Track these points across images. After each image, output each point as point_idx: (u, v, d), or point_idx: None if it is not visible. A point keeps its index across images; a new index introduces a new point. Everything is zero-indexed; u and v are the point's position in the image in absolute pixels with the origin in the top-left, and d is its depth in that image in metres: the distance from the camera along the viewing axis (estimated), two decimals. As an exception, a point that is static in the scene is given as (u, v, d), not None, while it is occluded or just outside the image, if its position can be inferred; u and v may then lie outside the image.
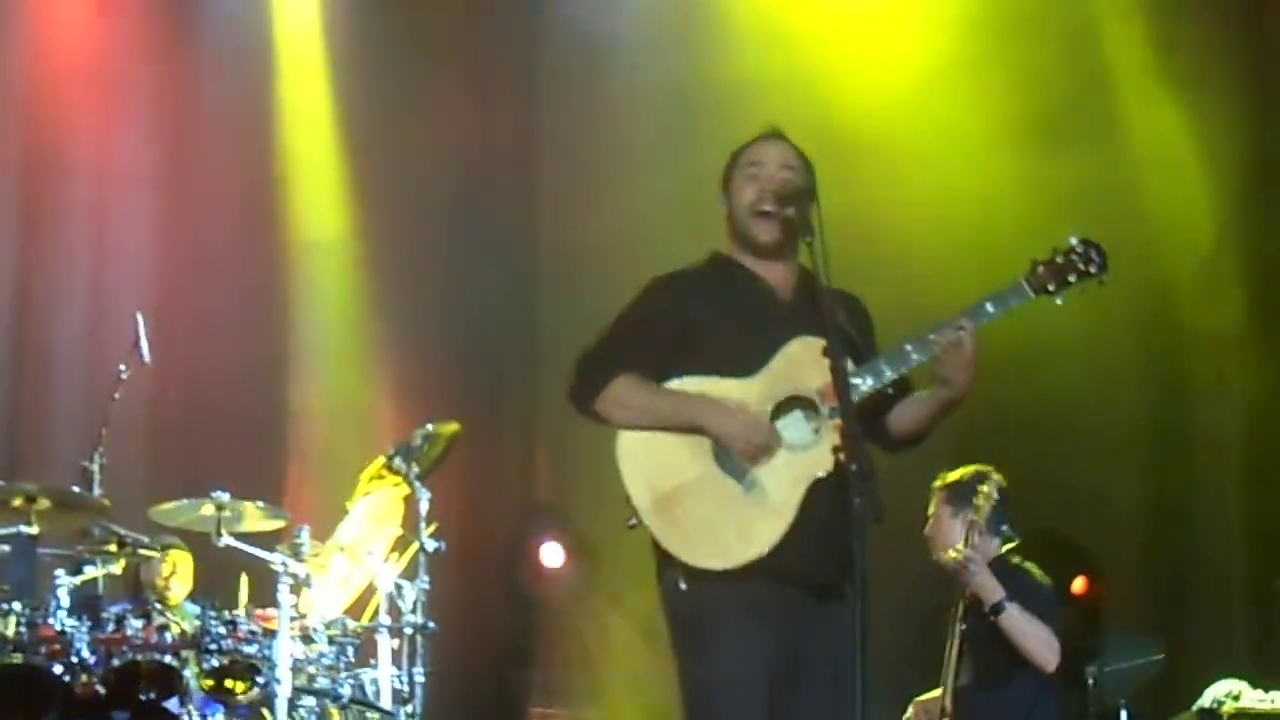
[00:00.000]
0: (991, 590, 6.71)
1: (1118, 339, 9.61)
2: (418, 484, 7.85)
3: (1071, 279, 4.98)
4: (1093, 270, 5.00)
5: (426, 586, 7.77)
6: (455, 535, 7.99)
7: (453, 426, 8.09)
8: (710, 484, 4.94)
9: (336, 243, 10.52)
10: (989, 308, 4.95)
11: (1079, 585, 9.74)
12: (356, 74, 10.52)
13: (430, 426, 8.01)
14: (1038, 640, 6.72)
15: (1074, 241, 5.02)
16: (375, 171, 10.51)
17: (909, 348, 4.95)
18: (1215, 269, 9.73)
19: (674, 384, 5.03)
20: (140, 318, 8.25)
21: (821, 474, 4.84)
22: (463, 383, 10.17)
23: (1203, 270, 9.72)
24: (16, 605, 7.15)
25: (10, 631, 7.10)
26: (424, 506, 7.80)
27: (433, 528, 7.80)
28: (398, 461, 7.92)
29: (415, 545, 7.81)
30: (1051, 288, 4.98)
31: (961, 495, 6.94)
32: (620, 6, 10.35)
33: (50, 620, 7.16)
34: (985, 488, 6.85)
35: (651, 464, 4.98)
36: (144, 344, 8.20)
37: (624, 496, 4.98)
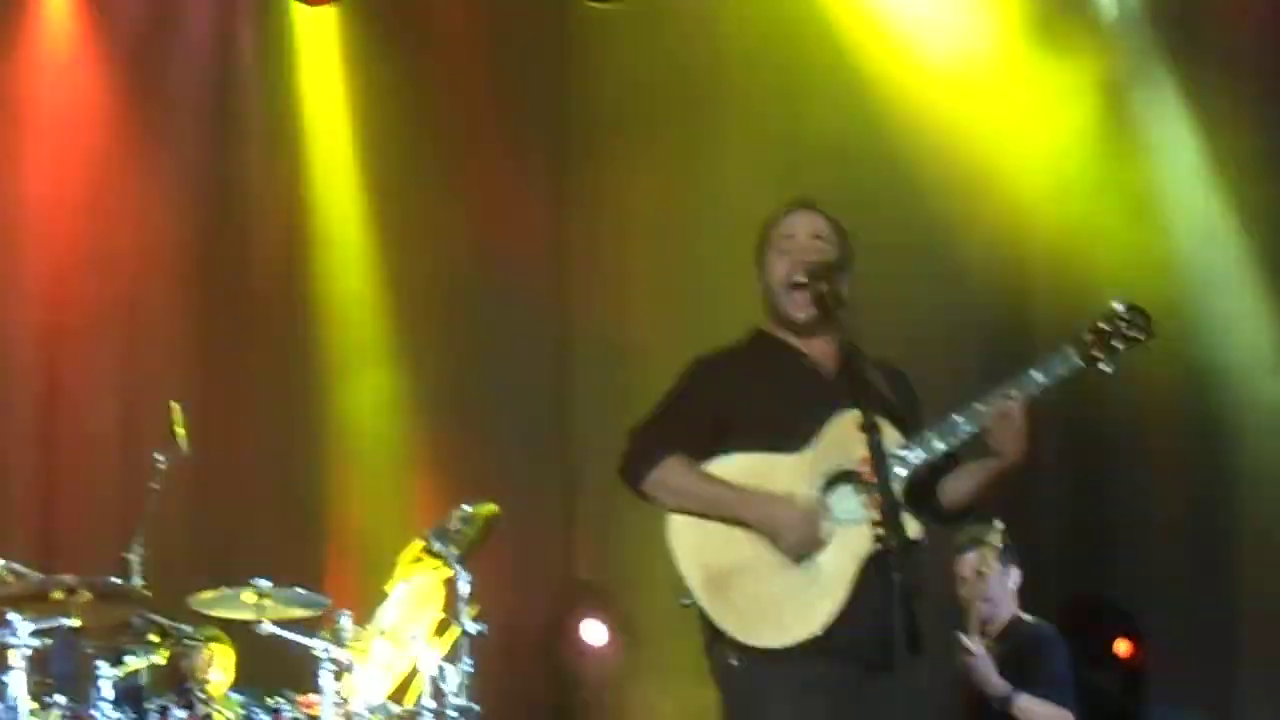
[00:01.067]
0: (998, 686, 6.68)
1: (1158, 392, 9.47)
2: (458, 566, 7.80)
3: (1118, 345, 4.94)
4: (1139, 335, 4.97)
5: (469, 669, 7.72)
6: (496, 616, 7.93)
7: (490, 507, 8.03)
8: (764, 562, 4.90)
9: (369, 325, 10.52)
10: (1037, 376, 4.92)
11: (1123, 649, 9.64)
12: (386, 159, 10.54)
13: (467, 508, 7.95)
14: None
15: (1119, 307, 4.99)
16: (407, 253, 10.50)
17: (958, 419, 4.93)
18: (1250, 315, 9.64)
19: (722, 462, 4.99)
20: (176, 406, 8.24)
21: (874, 549, 4.77)
22: (499, 461, 10.12)
23: (1238, 321, 9.63)
24: (60, 698, 7.16)
25: (54, 725, 7.10)
26: (465, 589, 7.76)
27: (474, 610, 7.75)
28: (436, 544, 7.87)
29: (457, 628, 7.77)
30: (1099, 354, 4.94)
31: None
32: (653, 80, 10.31)
33: (93, 712, 7.16)
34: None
35: (703, 544, 4.95)
36: (180, 433, 8.18)
37: (676, 576, 4.95)
